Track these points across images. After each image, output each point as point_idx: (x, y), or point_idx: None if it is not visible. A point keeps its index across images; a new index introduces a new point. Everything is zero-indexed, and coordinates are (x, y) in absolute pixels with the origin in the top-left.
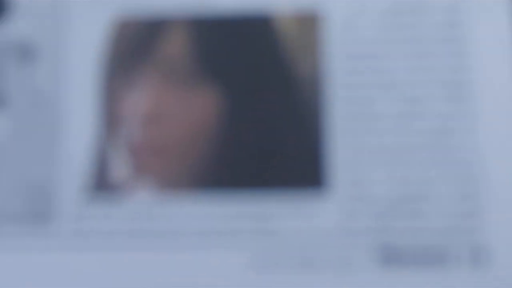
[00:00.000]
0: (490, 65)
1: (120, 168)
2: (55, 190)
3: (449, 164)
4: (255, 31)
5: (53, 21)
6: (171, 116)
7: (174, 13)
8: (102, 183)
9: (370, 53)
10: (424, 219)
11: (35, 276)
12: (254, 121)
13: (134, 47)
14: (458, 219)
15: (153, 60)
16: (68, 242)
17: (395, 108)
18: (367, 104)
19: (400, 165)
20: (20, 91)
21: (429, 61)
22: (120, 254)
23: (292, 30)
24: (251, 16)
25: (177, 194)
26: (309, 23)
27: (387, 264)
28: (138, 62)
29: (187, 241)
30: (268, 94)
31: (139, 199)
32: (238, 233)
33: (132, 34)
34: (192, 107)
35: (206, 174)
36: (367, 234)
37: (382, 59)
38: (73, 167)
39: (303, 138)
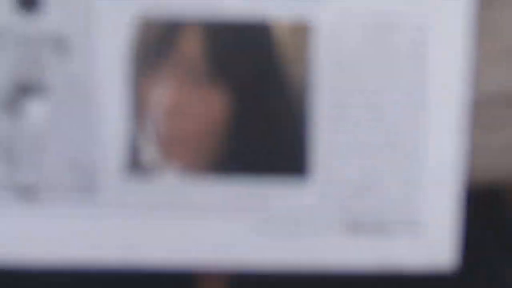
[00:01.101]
0: (445, 81)
1: (149, 152)
2: (96, 168)
3: (398, 159)
4: (255, 38)
5: (85, 17)
6: (189, 109)
7: (190, 17)
8: (135, 164)
9: (350, 61)
10: (378, 198)
11: (78, 240)
12: (254, 116)
13: (156, 45)
14: (402, 200)
15: (173, 58)
16: (107, 211)
17: (364, 111)
18: (343, 107)
19: (364, 157)
20: (58, 80)
21: (395, 72)
22: (148, 223)
23: (286, 37)
24: (253, 24)
25: (196, 176)
26: (301, 32)
27: (352, 233)
28: (160, 59)
29: (203, 214)
30: (265, 93)
31: (165, 178)
32: (243, 207)
33: (155, 34)
34: (206, 103)
35: (217, 160)
36: (338, 210)
37: (359, 66)
38: (111, 150)
39: (292, 134)
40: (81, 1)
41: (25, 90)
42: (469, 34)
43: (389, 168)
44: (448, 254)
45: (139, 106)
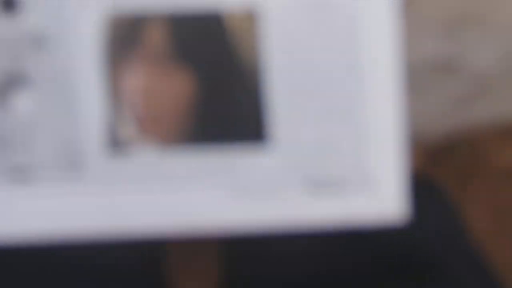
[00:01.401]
0: (380, 50)
1: (127, 130)
2: (80, 149)
3: (347, 124)
4: (211, 26)
5: (59, 17)
6: (159, 90)
7: (154, 11)
8: (115, 142)
9: (296, 39)
10: (333, 160)
11: (65, 215)
12: (216, 93)
13: (126, 37)
14: (354, 160)
15: (141, 47)
16: (91, 186)
17: (313, 83)
18: (295, 81)
19: (318, 123)
20: (40, 73)
21: (335, 45)
22: (129, 194)
23: (237, 24)
24: (208, 14)
25: (169, 149)
26: (250, 19)
27: (312, 192)
28: (130, 48)
29: (178, 183)
30: (223, 72)
31: (143, 153)
32: (213, 175)
33: (124, 27)
34: (173, 84)
35: (187, 133)
36: (298, 172)
37: (304, 44)
38: (92, 131)
39: (253, 106)
40: (55, 2)
41: (11, 84)
42: (398, 6)
43: (340, 132)
44: (398, 208)
45: (114, 91)
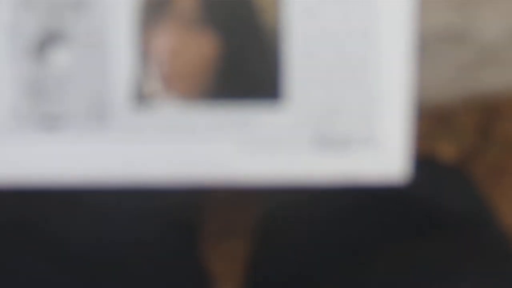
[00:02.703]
0: (394, 16)
1: (152, 85)
2: (108, 101)
3: (358, 84)
4: None
5: None
6: (184, 50)
7: None
8: (140, 96)
9: (315, 5)
10: (343, 118)
11: (91, 162)
12: (237, 54)
13: (158, 1)
14: (362, 119)
15: (172, 11)
16: (117, 136)
17: (328, 46)
18: (311, 44)
19: (330, 83)
20: (77, 31)
21: (351, 11)
22: (151, 145)
23: None
24: None
25: (190, 104)
26: None
27: (321, 149)
28: (162, 12)
29: (197, 136)
30: (245, 35)
31: (165, 107)
32: (229, 129)
33: None
34: (199, 45)
35: (208, 90)
36: (309, 129)
37: (323, 8)
38: (120, 85)
39: (270, 66)
40: None
41: (49, 39)
42: None
43: (351, 93)
44: (402, 168)
45: (144, 50)
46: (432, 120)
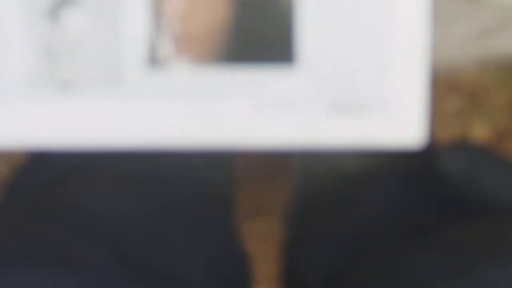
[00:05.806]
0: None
1: (165, 49)
2: (122, 64)
3: (372, 48)
4: None
5: None
6: (197, 13)
7: None
8: (153, 59)
9: None
10: (356, 82)
11: (107, 124)
12: (250, 17)
13: None
14: (376, 84)
15: None
16: (131, 99)
17: (341, 11)
18: (324, 9)
19: (343, 48)
20: None
21: None
22: (165, 108)
23: None
24: None
25: (203, 67)
26: None
27: (334, 113)
28: None
29: (211, 98)
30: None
31: (178, 70)
32: (243, 92)
33: None
34: (212, 8)
35: (221, 53)
36: (322, 93)
37: None
38: (133, 48)
39: (283, 30)
40: None
41: (63, 4)
42: None
43: (364, 57)
44: (416, 132)
45: (156, 13)
46: (464, 100)
